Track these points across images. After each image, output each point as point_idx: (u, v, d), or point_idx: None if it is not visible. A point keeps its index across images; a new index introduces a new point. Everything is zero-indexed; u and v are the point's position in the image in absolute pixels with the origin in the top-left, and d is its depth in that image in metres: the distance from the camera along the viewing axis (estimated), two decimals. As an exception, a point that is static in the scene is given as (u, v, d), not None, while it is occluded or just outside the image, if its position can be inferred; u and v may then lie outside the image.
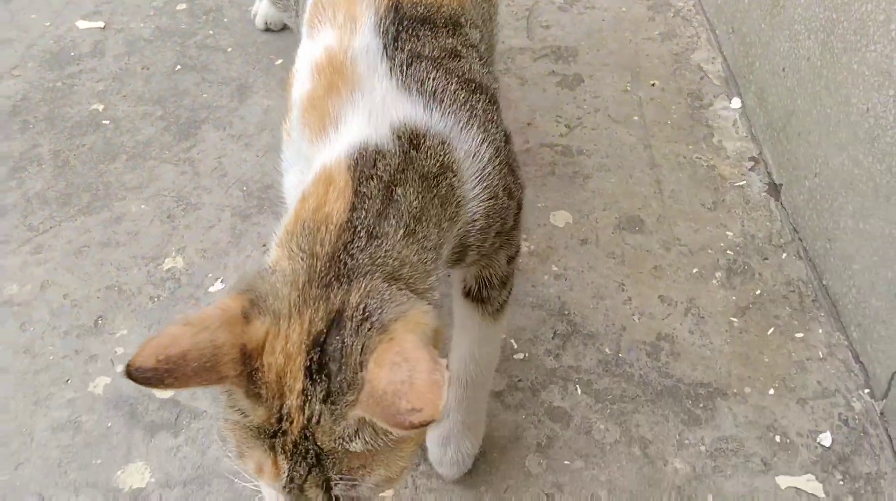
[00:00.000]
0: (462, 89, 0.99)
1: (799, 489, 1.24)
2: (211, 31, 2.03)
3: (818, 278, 1.48)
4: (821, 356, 1.39)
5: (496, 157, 1.02)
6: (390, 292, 0.84)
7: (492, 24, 1.25)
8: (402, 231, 0.89)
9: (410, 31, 0.99)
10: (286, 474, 0.81)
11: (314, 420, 0.78)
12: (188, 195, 1.64)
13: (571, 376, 1.37)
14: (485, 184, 1.00)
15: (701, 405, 1.33)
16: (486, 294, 1.16)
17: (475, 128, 0.98)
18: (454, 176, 0.96)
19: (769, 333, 1.42)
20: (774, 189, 1.63)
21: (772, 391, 1.35)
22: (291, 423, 0.79)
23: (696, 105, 1.82)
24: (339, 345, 0.79)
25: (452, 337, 1.21)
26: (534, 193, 1.63)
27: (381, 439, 0.79)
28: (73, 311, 1.47)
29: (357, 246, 0.86)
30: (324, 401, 0.78)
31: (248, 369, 0.79)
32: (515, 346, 1.41)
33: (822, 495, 1.23)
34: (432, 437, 1.23)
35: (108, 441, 1.31)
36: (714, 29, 1.96)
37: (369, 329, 0.80)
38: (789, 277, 1.50)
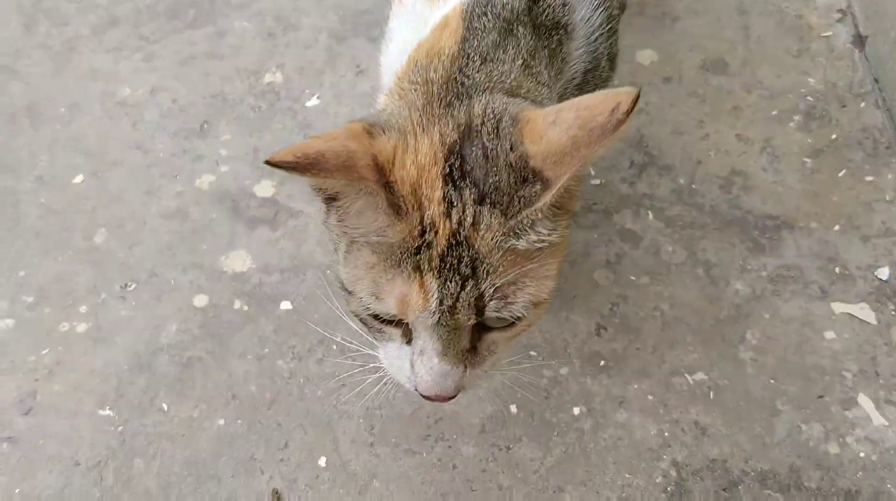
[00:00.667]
0: None
1: (852, 315, 1.32)
2: None
3: (894, 127, 1.51)
4: (888, 198, 1.44)
5: (607, 23, 1.05)
6: (512, 99, 0.86)
7: None
8: (519, 61, 0.91)
9: None
10: (436, 293, 0.77)
11: (467, 223, 0.77)
12: (287, 16, 1.71)
13: (644, 202, 1.45)
14: (591, 48, 1.03)
15: (767, 235, 1.40)
16: None
17: None
18: (566, 34, 0.99)
19: (840, 174, 1.47)
20: (860, 40, 1.64)
21: (837, 227, 1.41)
22: (437, 233, 0.77)
23: (791, -46, 1.81)
24: (480, 150, 0.79)
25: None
26: (621, 30, 1.66)
27: (551, 232, 0.78)
28: (180, 114, 1.58)
29: (472, 68, 0.88)
30: (479, 203, 0.77)
31: (383, 179, 0.77)
32: (592, 173, 1.49)
33: (874, 322, 1.31)
34: None
35: (212, 230, 1.44)
36: None
37: (506, 127, 0.80)
38: (866, 124, 1.53)
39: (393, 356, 0.88)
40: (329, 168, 0.74)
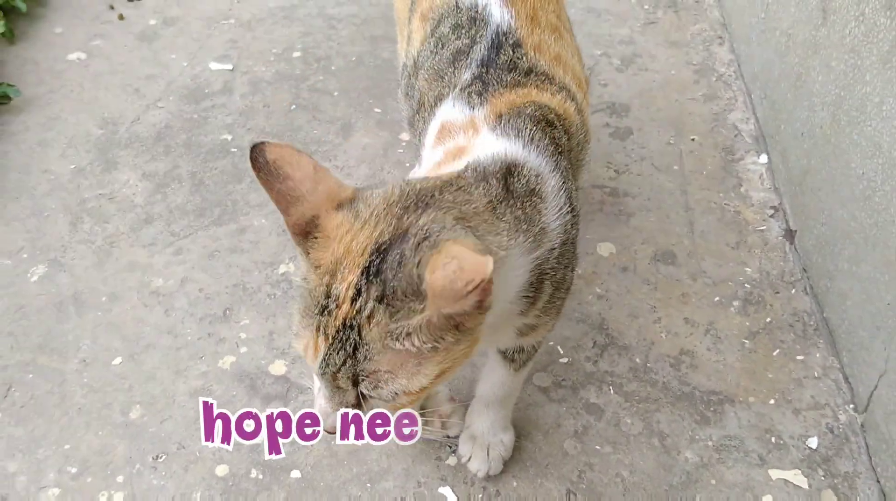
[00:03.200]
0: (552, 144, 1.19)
1: (787, 480, 1.53)
2: (321, 77, 2.39)
3: (820, 311, 1.77)
4: (816, 375, 1.68)
5: (570, 220, 1.18)
6: (454, 225, 0.97)
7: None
8: (485, 200, 1.04)
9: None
10: (323, 355, 0.94)
11: (364, 314, 0.90)
12: (299, 214, 2.00)
13: (606, 379, 1.68)
14: (560, 222, 1.15)
15: (712, 408, 1.63)
16: (516, 357, 1.39)
17: (558, 175, 1.17)
18: (541, 201, 1.12)
19: (775, 354, 1.71)
20: (790, 234, 1.92)
21: (772, 401, 1.64)
22: (338, 307, 0.91)
23: (729, 159, 2.12)
24: (398, 256, 0.92)
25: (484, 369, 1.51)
26: (584, 226, 1.95)
27: (427, 344, 0.91)
28: (206, 302, 1.83)
29: (448, 190, 1.02)
30: (378, 301, 0.91)
31: (308, 229, 0.95)
32: (561, 351, 1.72)
33: (806, 486, 1.52)
34: (463, 437, 1.56)
35: (232, 405, 1.66)
36: (750, 93, 2.26)
37: (427, 247, 0.92)
38: (796, 309, 1.79)
39: (315, 386, 1.06)
40: (276, 187, 0.94)
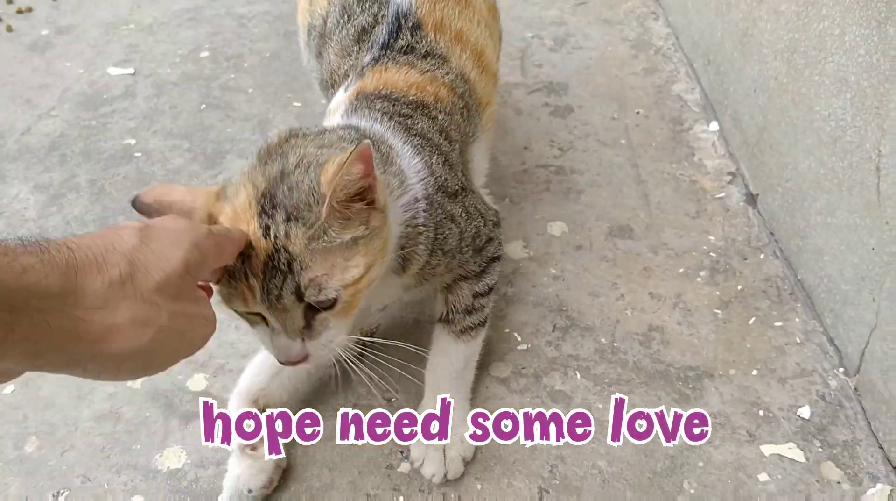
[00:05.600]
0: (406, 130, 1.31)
1: (782, 455, 1.36)
2: (232, 75, 2.20)
3: (794, 274, 1.63)
4: (798, 341, 1.52)
5: (432, 184, 1.28)
6: (323, 150, 1.10)
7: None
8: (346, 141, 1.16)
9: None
10: (261, 289, 1.01)
11: (282, 236, 1.00)
12: (215, 215, 1.79)
13: (571, 363, 1.50)
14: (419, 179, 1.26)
15: (690, 385, 1.46)
16: (451, 317, 1.39)
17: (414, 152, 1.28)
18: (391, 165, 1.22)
19: (751, 322, 1.56)
20: (751, 199, 1.79)
21: (755, 372, 1.48)
22: (255, 250, 1.00)
23: (678, 129, 1.99)
24: (288, 186, 1.03)
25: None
26: (532, 207, 1.79)
27: (344, 234, 1.03)
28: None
29: (299, 139, 1.14)
30: (287, 220, 1.01)
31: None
32: (519, 338, 1.54)
33: (803, 460, 1.35)
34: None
35: (146, 428, 1.43)
36: (692, 63, 2.14)
37: (313, 168, 1.04)
38: (767, 274, 1.64)
39: (261, 336, 1.11)
40: (168, 212, 0.99)
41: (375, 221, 1.07)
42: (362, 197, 1.05)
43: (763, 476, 1.33)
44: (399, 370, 1.42)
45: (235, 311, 1.08)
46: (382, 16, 1.42)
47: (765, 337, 1.53)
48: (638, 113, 2.04)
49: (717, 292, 1.61)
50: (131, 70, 2.23)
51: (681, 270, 1.66)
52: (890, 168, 1.29)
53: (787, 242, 1.65)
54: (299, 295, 1.02)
